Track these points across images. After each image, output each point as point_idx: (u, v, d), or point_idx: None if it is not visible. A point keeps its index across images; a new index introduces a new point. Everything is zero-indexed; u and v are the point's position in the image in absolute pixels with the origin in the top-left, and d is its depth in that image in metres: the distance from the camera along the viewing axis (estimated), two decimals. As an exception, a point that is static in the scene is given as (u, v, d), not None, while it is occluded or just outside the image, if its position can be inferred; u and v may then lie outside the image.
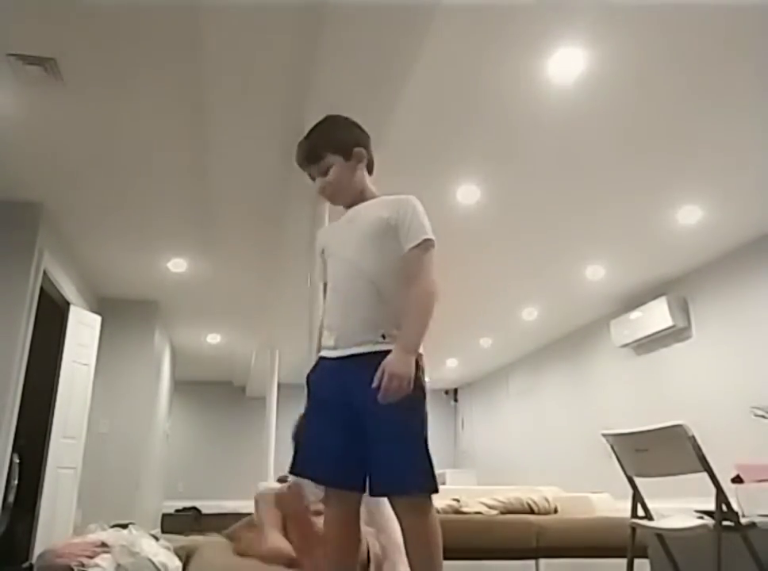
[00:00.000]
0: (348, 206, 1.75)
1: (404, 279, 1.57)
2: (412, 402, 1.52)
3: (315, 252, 1.85)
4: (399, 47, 2.79)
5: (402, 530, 1.51)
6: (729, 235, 4.82)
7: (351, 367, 1.54)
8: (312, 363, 1.65)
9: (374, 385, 1.44)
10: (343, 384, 1.54)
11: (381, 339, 1.55)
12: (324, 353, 1.61)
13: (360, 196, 1.74)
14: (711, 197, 4.27)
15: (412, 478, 1.48)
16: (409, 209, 1.63)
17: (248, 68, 3.05)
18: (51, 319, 4.89)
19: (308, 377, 1.62)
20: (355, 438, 1.50)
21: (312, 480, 1.58)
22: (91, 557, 2.47)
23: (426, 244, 1.58)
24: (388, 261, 1.60)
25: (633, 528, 2.38)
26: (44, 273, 4.53)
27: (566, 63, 3.01)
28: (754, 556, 2.01)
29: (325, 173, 1.72)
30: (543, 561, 3.04)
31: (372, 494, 1.51)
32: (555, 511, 3.44)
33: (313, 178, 1.76)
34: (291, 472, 1.59)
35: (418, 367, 1.56)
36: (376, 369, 1.46)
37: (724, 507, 2.03)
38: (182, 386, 9.75)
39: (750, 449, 4.26)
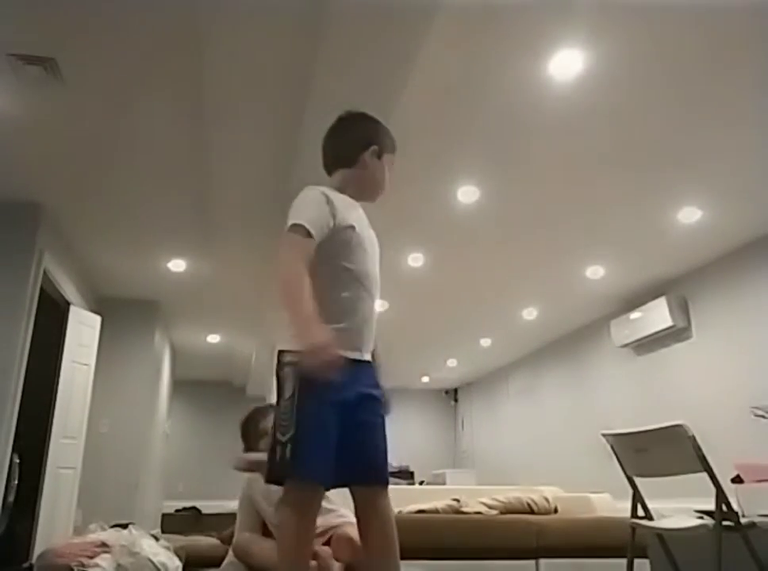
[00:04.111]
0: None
1: None
2: None
3: (319, 203, 1.62)
4: (399, 47, 2.79)
5: None
6: (729, 235, 4.82)
7: (366, 371, 1.63)
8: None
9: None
10: (360, 386, 1.59)
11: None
12: (355, 355, 1.59)
13: None
14: (711, 198, 4.27)
15: None
16: None
17: (249, 68, 3.05)
18: (51, 319, 4.89)
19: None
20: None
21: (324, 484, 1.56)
22: (91, 557, 2.48)
23: None
24: None
25: (633, 528, 2.38)
26: (44, 273, 4.53)
27: (566, 64, 3.01)
28: (754, 556, 2.01)
29: None
30: (543, 561, 3.04)
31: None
32: (555, 511, 3.43)
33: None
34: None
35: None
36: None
37: (724, 507, 2.03)
38: (182, 386, 9.75)
39: (750, 449, 4.26)
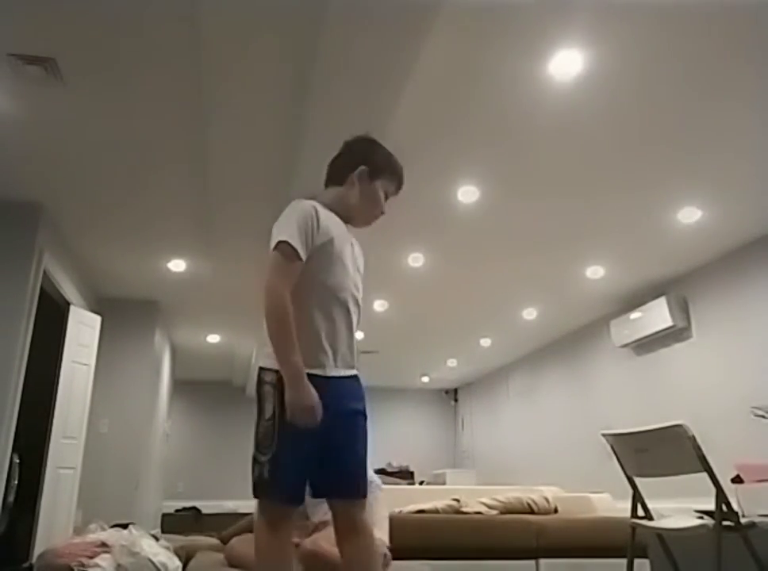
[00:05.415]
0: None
1: None
2: None
3: (306, 219, 1.62)
4: (399, 47, 2.79)
5: None
6: (729, 235, 4.82)
7: (347, 386, 1.64)
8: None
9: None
10: (340, 402, 1.60)
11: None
12: (330, 371, 1.60)
13: None
14: (711, 197, 4.27)
15: None
16: None
17: (248, 68, 3.05)
18: (51, 319, 4.89)
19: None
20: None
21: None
22: (91, 557, 2.48)
23: None
24: None
25: (633, 528, 2.38)
26: (44, 273, 4.53)
27: (566, 63, 3.00)
28: (754, 556, 2.01)
29: None
30: (543, 561, 3.04)
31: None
32: (555, 511, 3.44)
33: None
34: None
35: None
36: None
37: (724, 507, 2.03)
38: (182, 386, 9.76)
39: (750, 449, 4.26)
